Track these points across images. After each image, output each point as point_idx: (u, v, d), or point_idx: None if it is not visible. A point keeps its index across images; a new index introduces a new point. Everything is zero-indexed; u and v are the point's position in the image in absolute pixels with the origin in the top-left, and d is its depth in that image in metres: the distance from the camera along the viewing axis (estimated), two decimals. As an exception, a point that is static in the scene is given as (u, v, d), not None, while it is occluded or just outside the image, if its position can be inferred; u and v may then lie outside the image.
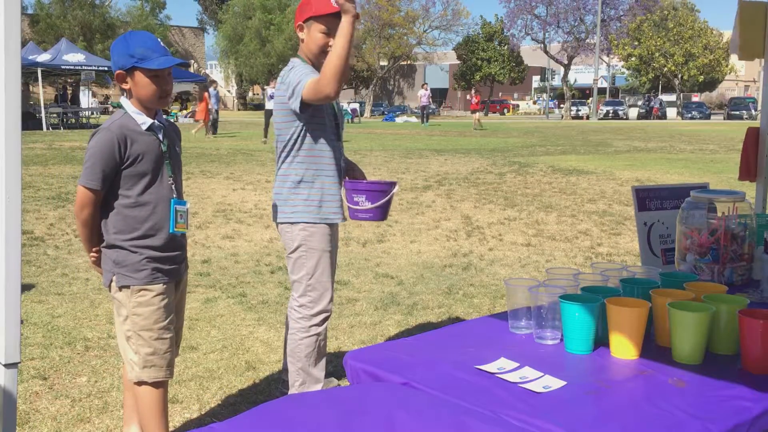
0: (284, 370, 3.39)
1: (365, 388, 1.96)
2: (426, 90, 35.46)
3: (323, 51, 3.09)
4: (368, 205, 3.13)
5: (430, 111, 39.22)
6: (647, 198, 3.44)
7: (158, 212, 2.69)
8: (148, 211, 2.67)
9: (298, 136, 3.16)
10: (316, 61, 3.14)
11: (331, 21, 3.06)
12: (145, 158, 2.64)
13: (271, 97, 17.79)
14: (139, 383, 2.73)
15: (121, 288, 2.70)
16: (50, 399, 3.62)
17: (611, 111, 53.17)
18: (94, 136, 2.61)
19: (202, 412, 3.49)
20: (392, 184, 3.22)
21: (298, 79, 3.01)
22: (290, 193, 3.18)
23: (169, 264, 2.75)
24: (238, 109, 62.52)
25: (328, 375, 3.80)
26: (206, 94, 23.86)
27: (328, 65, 2.88)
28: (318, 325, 3.23)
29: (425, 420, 1.69)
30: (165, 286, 2.72)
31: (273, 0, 57.62)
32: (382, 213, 3.20)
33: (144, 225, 2.67)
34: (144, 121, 2.65)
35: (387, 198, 3.17)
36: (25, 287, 5.55)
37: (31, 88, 33.96)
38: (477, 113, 34.83)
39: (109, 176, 2.60)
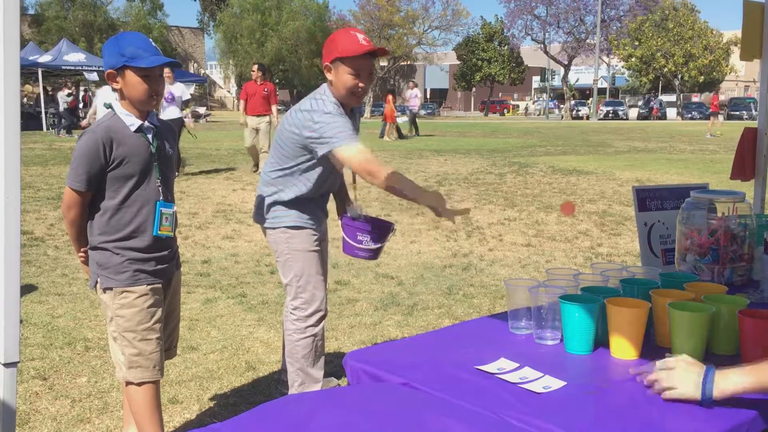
0: (283, 370, 3.39)
1: (365, 388, 1.96)
2: (413, 90, 25.65)
3: (352, 93, 2.95)
4: (372, 246, 3.12)
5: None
6: (647, 198, 3.44)
7: (143, 214, 2.68)
8: (133, 213, 2.67)
9: (301, 164, 3.09)
10: (345, 101, 3.01)
11: (359, 62, 2.90)
12: (132, 160, 2.63)
13: (171, 99, 11.18)
14: (127, 384, 2.74)
15: (105, 290, 2.71)
16: (50, 399, 3.61)
17: (611, 111, 53.20)
18: (81, 138, 2.61)
19: (202, 413, 3.49)
20: (391, 226, 3.22)
21: (335, 137, 2.83)
22: (273, 200, 3.18)
23: (154, 265, 2.73)
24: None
25: (327, 375, 3.80)
26: (390, 96, 23.80)
27: (392, 189, 2.76)
28: (314, 325, 3.22)
29: (425, 421, 1.69)
30: (149, 287, 2.71)
31: (270, 0, 57.58)
32: (379, 253, 3.22)
33: (128, 227, 2.67)
34: (133, 122, 2.64)
35: (387, 240, 3.17)
36: (26, 288, 5.55)
37: (31, 87, 33.94)
38: (717, 117, 26.58)
39: (94, 178, 2.59)
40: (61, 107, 23.90)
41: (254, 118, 12.34)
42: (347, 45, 2.89)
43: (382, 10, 55.91)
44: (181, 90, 11.79)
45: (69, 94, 23.71)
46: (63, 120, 23.76)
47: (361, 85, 2.94)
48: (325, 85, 3.08)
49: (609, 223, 8.66)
